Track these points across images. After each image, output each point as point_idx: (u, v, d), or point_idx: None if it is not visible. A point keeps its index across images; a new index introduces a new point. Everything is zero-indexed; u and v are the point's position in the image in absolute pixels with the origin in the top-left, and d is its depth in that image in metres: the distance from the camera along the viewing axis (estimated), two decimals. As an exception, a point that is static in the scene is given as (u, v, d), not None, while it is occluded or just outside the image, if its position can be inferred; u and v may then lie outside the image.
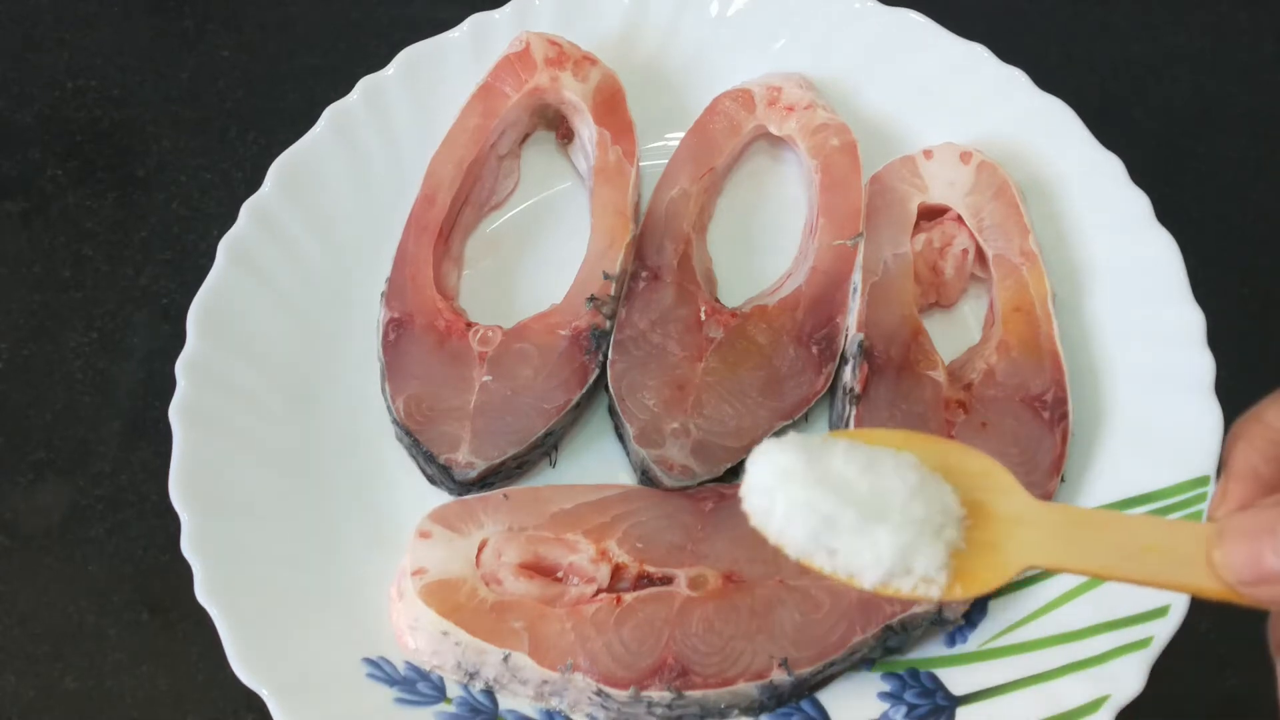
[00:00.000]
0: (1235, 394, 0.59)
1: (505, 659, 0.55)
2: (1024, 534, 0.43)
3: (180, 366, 0.61)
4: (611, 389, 0.62)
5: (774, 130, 0.69)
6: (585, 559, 0.58)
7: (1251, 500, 0.39)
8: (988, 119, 0.67)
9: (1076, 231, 0.65)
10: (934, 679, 0.57)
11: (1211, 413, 0.59)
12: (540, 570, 0.58)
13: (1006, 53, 0.68)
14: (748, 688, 0.55)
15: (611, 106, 0.68)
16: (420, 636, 0.57)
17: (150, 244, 0.74)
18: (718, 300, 0.66)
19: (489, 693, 0.57)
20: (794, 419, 0.61)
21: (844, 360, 0.63)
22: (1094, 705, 0.54)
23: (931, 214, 0.66)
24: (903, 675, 0.57)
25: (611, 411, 0.63)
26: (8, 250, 0.74)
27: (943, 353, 0.63)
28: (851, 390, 0.61)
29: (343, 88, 0.68)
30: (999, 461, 0.46)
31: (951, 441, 0.48)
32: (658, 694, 0.55)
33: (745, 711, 0.57)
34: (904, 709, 0.56)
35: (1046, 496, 0.58)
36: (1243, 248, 0.72)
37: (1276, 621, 0.39)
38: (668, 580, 0.57)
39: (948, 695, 0.56)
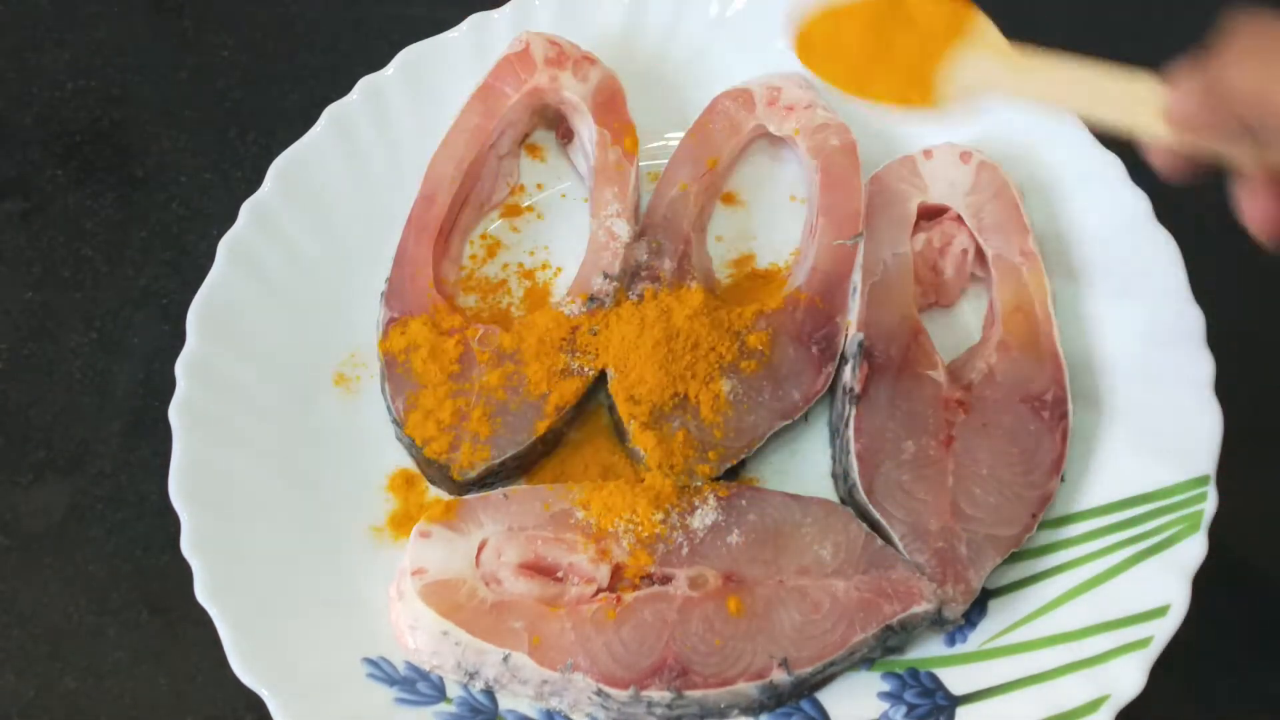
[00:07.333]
0: (1235, 394, 0.59)
1: (505, 659, 0.55)
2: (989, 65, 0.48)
3: (180, 366, 0.61)
4: (611, 389, 0.62)
5: (774, 130, 0.69)
6: (585, 559, 0.58)
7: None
8: (988, 119, 0.67)
9: (1076, 231, 0.65)
10: (934, 679, 0.57)
11: (1211, 412, 0.58)
12: (540, 570, 0.58)
13: (1006, 53, 0.68)
14: (747, 688, 0.55)
15: (611, 106, 0.68)
16: (420, 636, 0.57)
17: (150, 244, 0.74)
18: (717, 299, 0.66)
19: (489, 693, 0.57)
20: (794, 418, 0.61)
21: (844, 360, 0.63)
22: (1094, 705, 0.54)
23: (931, 214, 0.66)
24: (902, 675, 0.57)
25: (611, 411, 0.63)
26: (8, 250, 0.74)
27: (943, 353, 0.63)
28: (851, 390, 0.61)
29: (343, 88, 0.68)
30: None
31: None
32: (658, 694, 0.55)
33: (745, 711, 0.57)
34: (904, 709, 0.56)
35: (1046, 497, 0.58)
36: (1243, 248, 0.72)
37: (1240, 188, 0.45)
38: (667, 580, 0.57)
39: (947, 695, 0.56)
